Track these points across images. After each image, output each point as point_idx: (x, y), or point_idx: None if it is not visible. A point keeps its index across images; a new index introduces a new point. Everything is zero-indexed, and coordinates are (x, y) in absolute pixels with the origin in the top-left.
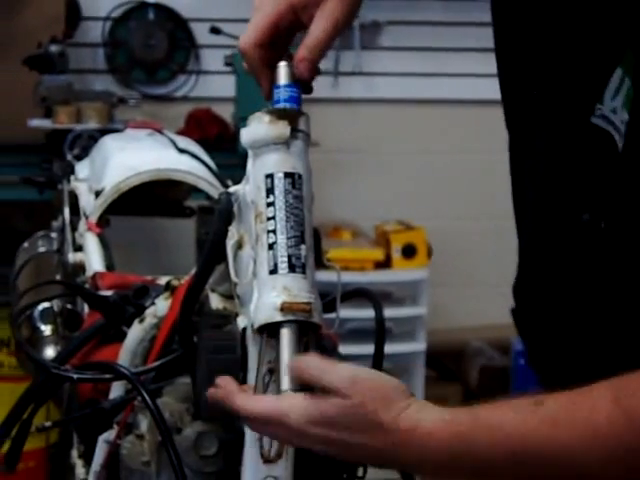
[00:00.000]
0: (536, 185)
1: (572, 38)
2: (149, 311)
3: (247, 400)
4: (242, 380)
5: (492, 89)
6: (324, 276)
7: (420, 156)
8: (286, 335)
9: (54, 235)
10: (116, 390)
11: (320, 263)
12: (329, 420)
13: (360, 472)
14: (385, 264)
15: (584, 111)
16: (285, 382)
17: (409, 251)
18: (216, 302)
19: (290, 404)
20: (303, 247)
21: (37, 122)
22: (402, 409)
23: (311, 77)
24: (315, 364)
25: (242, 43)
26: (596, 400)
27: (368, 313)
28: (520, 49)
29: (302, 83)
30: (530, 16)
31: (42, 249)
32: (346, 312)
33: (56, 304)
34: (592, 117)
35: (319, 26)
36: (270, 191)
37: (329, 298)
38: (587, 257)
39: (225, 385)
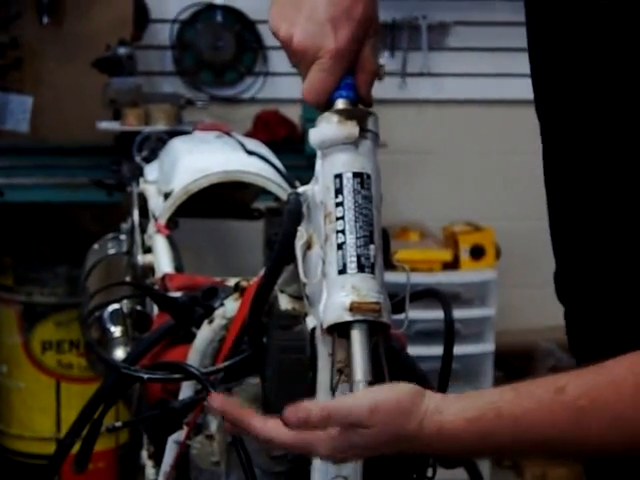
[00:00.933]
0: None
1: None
2: (218, 312)
3: (267, 425)
4: (311, 380)
5: None
6: (393, 277)
7: (488, 156)
8: (357, 335)
9: (123, 237)
10: (186, 391)
11: (389, 264)
12: (357, 446)
13: (429, 472)
14: (453, 265)
15: None
16: (359, 373)
17: (477, 252)
18: (285, 302)
19: (315, 437)
20: (372, 247)
21: (106, 124)
22: (423, 413)
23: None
24: (337, 404)
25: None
26: (619, 385)
27: (437, 314)
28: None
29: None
30: None
31: (112, 251)
32: (415, 313)
33: (126, 305)
34: None
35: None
36: (339, 191)
37: (398, 298)
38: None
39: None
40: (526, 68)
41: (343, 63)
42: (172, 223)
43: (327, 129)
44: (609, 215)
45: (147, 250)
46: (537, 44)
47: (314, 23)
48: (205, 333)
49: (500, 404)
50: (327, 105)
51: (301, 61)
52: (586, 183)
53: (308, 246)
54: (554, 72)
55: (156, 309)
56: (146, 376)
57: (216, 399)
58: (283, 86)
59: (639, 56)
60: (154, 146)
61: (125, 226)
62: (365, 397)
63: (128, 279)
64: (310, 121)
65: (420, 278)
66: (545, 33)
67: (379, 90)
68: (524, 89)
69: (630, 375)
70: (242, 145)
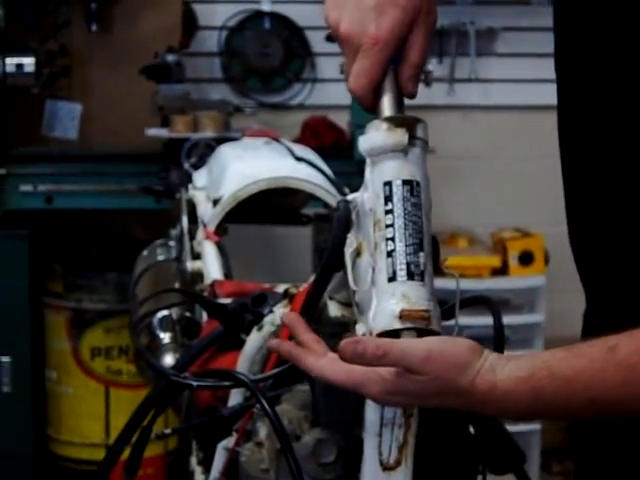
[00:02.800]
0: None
1: None
2: (267, 319)
3: (319, 362)
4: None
5: None
6: (442, 283)
7: (536, 162)
8: None
9: (172, 243)
10: (235, 397)
11: (438, 270)
12: (407, 392)
13: (479, 479)
14: (502, 271)
15: None
16: None
17: (526, 258)
18: (334, 310)
19: (366, 377)
20: (422, 254)
21: (154, 131)
22: (477, 371)
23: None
24: (393, 345)
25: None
26: None
27: (485, 320)
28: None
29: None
30: None
31: (161, 257)
32: (464, 319)
33: (175, 312)
34: None
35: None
36: (388, 198)
37: (447, 305)
38: None
39: (296, 333)
40: None
41: (384, 50)
42: (221, 229)
43: (376, 136)
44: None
45: (196, 256)
46: (562, 56)
47: (360, 10)
48: (254, 340)
49: (552, 363)
50: (372, 99)
51: (347, 49)
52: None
53: (357, 253)
54: (575, 83)
55: (205, 316)
56: (195, 383)
57: (289, 316)
58: (331, 92)
59: None
60: (202, 153)
61: (174, 232)
62: (421, 343)
63: (177, 286)
64: (359, 127)
65: (469, 284)
66: (568, 49)
67: (427, 96)
68: None
69: None
70: (291, 151)
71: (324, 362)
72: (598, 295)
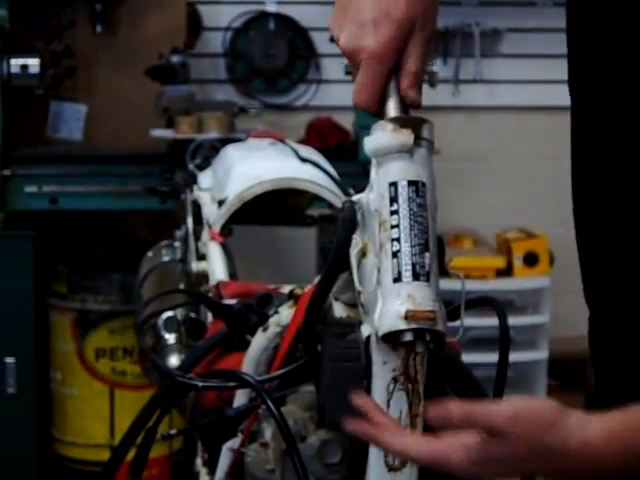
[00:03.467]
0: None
1: None
2: (272, 320)
3: (401, 440)
4: (366, 388)
5: None
6: (447, 284)
7: (540, 163)
8: None
9: (177, 244)
10: (240, 398)
11: (443, 271)
12: (494, 458)
13: None
14: (507, 272)
15: None
16: None
17: (531, 259)
18: (340, 310)
19: (452, 447)
20: (427, 255)
21: (159, 132)
22: (566, 429)
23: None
24: (478, 407)
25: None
26: None
27: (490, 321)
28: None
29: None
30: None
31: (166, 258)
32: (469, 320)
33: (180, 313)
34: None
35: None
36: (394, 199)
37: (453, 306)
38: None
39: (370, 413)
40: None
41: (383, 64)
42: (226, 230)
43: (382, 137)
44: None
45: (201, 257)
46: (575, 59)
47: (356, 24)
48: (259, 341)
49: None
50: (378, 109)
51: (351, 63)
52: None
53: (363, 254)
54: (589, 86)
55: (210, 316)
56: (201, 384)
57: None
58: (336, 93)
59: None
60: (207, 154)
61: (179, 233)
62: (507, 405)
63: (182, 286)
64: (364, 128)
65: (473, 285)
66: (581, 52)
67: (432, 97)
68: None
69: None
70: (296, 152)
71: (406, 438)
72: (603, 299)
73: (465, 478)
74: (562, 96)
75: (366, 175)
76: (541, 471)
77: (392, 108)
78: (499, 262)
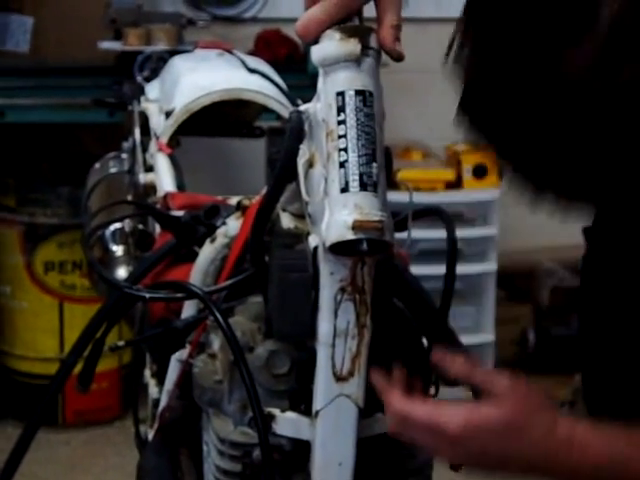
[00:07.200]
0: None
1: None
2: (220, 231)
3: (405, 402)
4: (314, 299)
5: None
6: (395, 196)
7: None
8: None
9: (125, 156)
10: (188, 310)
11: (391, 183)
12: (488, 427)
13: (432, 391)
14: (456, 184)
15: None
16: None
17: (480, 171)
18: (287, 221)
19: (451, 412)
20: (374, 165)
21: (107, 44)
22: (557, 417)
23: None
24: (482, 370)
25: None
26: None
27: (440, 233)
28: None
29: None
30: None
31: (113, 170)
32: (417, 233)
33: (128, 224)
34: None
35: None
36: (341, 109)
37: (401, 217)
38: None
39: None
40: None
41: (344, 9)
42: (174, 142)
43: (329, 46)
44: None
45: (149, 169)
46: None
47: None
48: (207, 252)
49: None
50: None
51: None
52: None
53: (310, 164)
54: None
55: (158, 228)
56: (148, 295)
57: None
58: (285, 5)
59: None
60: (155, 66)
61: (126, 145)
62: (506, 377)
63: (130, 198)
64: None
65: (423, 198)
66: None
67: None
68: None
69: None
70: (244, 63)
71: (407, 400)
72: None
73: (450, 455)
74: None
75: (315, 87)
76: (524, 457)
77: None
78: (448, 174)
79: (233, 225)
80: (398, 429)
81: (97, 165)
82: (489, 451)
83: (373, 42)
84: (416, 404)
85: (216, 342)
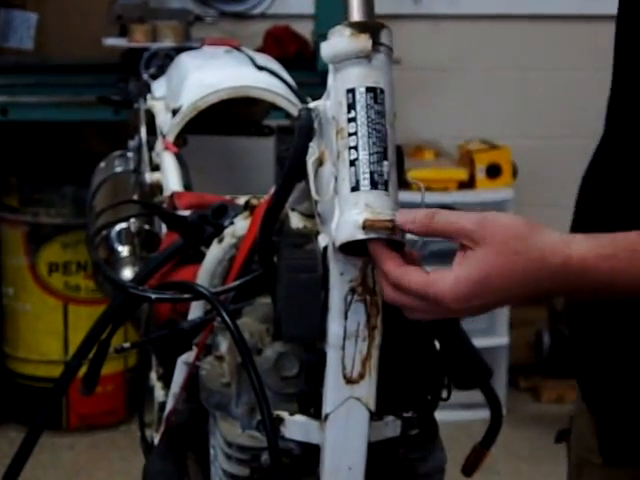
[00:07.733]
0: None
1: None
2: (228, 231)
3: (398, 267)
4: (323, 300)
5: (576, 4)
6: (407, 196)
7: (504, 73)
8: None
9: (131, 155)
10: (195, 311)
11: (403, 182)
12: (483, 282)
13: (444, 394)
14: (469, 184)
15: None
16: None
17: (494, 171)
18: (296, 221)
19: (444, 278)
20: (385, 163)
21: (112, 41)
22: (545, 244)
23: None
24: (441, 215)
25: None
26: None
27: None
28: None
29: None
30: None
31: (119, 169)
32: None
33: (133, 224)
34: None
35: None
36: (351, 106)
37: None
38: None
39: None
40: None
41: None
42: (180, 140)
43: (339, 42)
44: None
45: (155, 168)
46: None
47: None
48: (215, 252)
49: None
50: None
51: None
52: None
53: (320, 163)
54: None
55: (164, 228)
56: (154, 296)
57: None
58: (294, 1)
59: None
60: (161, 63)
61: (132, 143)
62: (474, 214)
63: (136, 198)
64: (322, 37)
65: (435, 198)
66: None
67: (393, 5)
68: (542, 4)
69: None
70: (252, 60)
71: (402, 267)
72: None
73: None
74: (526, 4)
75: (325, 85)
76: (515, 289)
77: (355, 11)
78: (461, 174)
79: (241, 225)
80: (392, 295)
81: (102, 164)
82: (489, 303)
83: (385, 38)
84: (410, 270)
85: (223, 344)
